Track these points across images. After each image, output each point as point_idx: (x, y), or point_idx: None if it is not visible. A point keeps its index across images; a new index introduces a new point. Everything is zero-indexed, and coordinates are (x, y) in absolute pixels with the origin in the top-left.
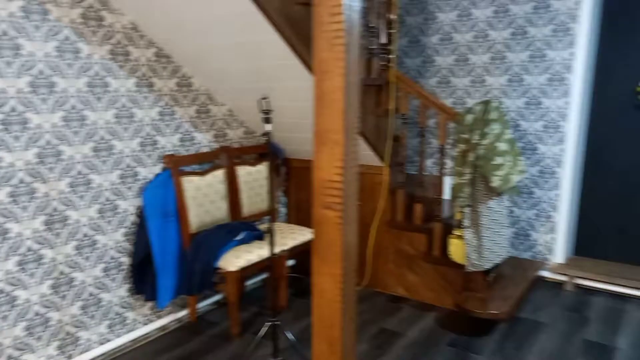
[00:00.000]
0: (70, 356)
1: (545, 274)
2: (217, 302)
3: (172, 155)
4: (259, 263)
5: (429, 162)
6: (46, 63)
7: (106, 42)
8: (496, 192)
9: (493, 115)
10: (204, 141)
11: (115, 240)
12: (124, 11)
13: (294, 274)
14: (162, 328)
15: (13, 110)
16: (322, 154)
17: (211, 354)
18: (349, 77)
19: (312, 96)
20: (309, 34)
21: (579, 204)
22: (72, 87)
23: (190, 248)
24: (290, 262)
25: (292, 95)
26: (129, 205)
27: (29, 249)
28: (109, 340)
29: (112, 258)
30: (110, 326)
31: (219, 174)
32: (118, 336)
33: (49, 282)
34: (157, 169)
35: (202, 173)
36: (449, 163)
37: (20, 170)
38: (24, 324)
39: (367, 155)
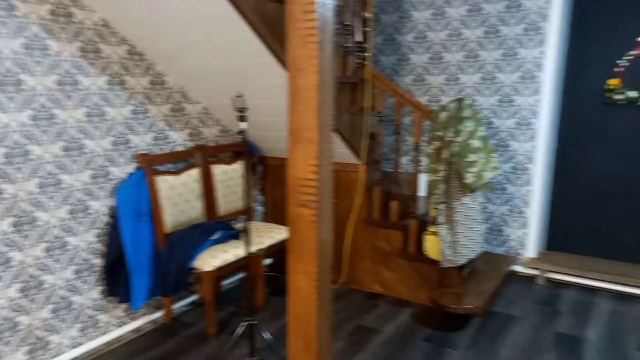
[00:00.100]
0: None
1: (518, 268)
2: (192, 303)
3: (145, 154)
4: (236, 262)
5: (404, 160)
6: (13, 60)
7: (76, 39)
8: (470, 189)
9: (466, 112)
10: (179, 140)
11: (87, 241)
12: (94, 8)
13: (271, 273)
14: (136, 330)
15: None
16: (296, 151)
17: (186, 355)
18: (323, 74)
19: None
20: (284, 31)
21: (550, 200)
22: (40, 85)
23: (165, 248)
24: (268, 261)
25: (267, 93)
26: (101, 206)
27: None
28: (81, 344)
29: (84, 260)
30: (82, 329)
31: (194, 173)
32: (90, 339)
33: (18, 285)
34: (130, 168)
35: (176, 172)
36: (424, 160)
37: None
38: None
39: (343, 153)
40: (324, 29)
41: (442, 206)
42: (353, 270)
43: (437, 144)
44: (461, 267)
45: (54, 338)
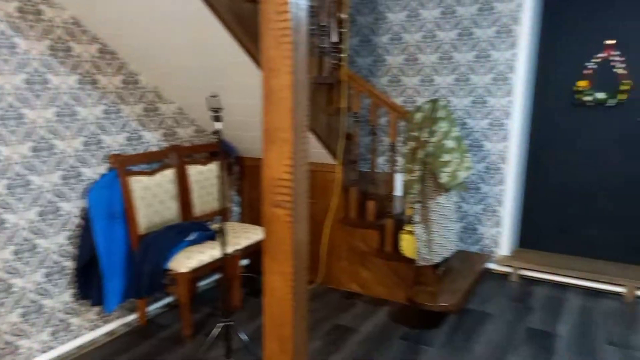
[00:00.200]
0: None
1: (492, 266)
2: (168, 305)
3: (118, 154)
4: (212, 263)
5: (380, 160)
6: None
7: (45, 37)
8: (444, 188)
9: (441, 113)
10: (153, 140)
11: (57, 243)
12: (64, 5)
13: (248, 274)
14: (110, 333)
15: None
16: (271, 152)
17: (161, 357)
18: (297, 75)
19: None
20: (259, 31)
21: (523, 199)
22: (8, 84)
23: (139, 250)
24: (244, 262)
25: (242, 93)
26: (72, 207)
27: None
28: (52, 348)
29: (55, 262)
30: (53, 333)
31: (168, 174)
32: (62, 343)
33: None
34: (103, 169)
35: (150, 173)
36: (400, 160)
37: None
38: None
39: (320, 154)
40: (298, 30)
41: (417, 205)
42: (330, 270)
43: (412, 144)
44: (436, 266)
45: (24, 343)
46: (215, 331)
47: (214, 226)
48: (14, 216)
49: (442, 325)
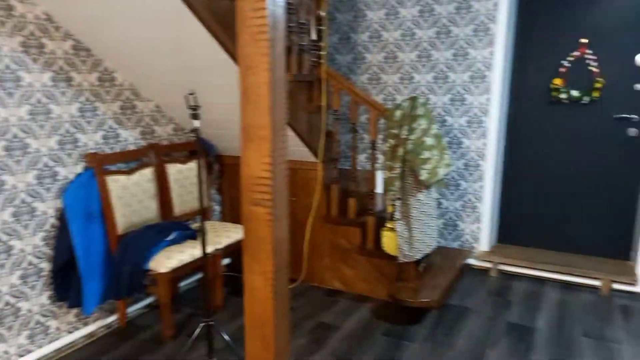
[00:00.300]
0: None
1: (472, 261)
2: (148, 305)
3: (95, 153)
4: (193, 263)
5: (362, 157)
6: None
7: (17, 34)
8: (424, 185)
9: (420, 111)
10: (130, 138)
11: (33, 245)
12: (35, 1)
13: (229, 273)
14: (89, 335)
15: None
16: (249, 150)
17: (142, 358)
18: (275, 72)
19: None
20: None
21: (501, 195)
22: None
23: (118, 250)
24: (226, 261)
25: (221, 90)
26: (47, 208)
27: None
28: (29, 352)
29: (31, 264)
30: (30, 337)
31: (147, 173)
32: (40, 347)
33: None
34: (79, 168)
35: (128, 172)
36: (380, 158)
37: None
38: None
39: (301, 152)
40: (275, 27)
41: (398, 202)
42: (312, 268)
43: (392, 141)
44: (418, 262)
45: (0, 347)
46: (197, 331)
47: (195, 225)
48: None
49: (424, 321)
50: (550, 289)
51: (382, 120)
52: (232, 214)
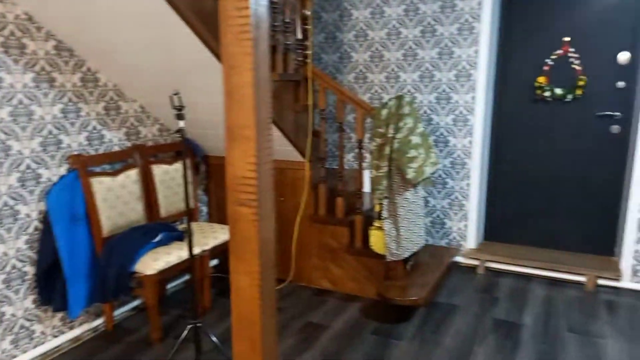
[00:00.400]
0: None
1: (459, 259)
2: (135, 308)
3: (78, 155)
4: (180, 264)
5: (349, 157)
6: None
7: None
8: (411, 184)
9: (406, 109)
10: (115, 139)
11: (16, 248)
12: (15, 1)
13: (217, 274)
14: (75, 339)
15: None
16: (234, 150)
17: None
18: (259, 71)
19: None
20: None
21: (488, 193)
22: None
23: (103, 253)
24: (214, 262)
25: (206, 90)
26: (31, 211)
27: None
28: (14, 357)
29: (14, 268)
30: (14, 341)
31: (132, 174)
32: (24, 352)
33: None
34: (63, 170)
35: (113, 173)
36: (367, 157)
37: None
38: None
39: (288, 151)
40: (259, 26)
41: (385, 201)
42: (301, 268)
43: (378, 140)
44: (405, 260)
45: None
46: (185, 333)
47: (181, 227)
48: None
49: (412, 319)
50: (536, 285)
51: (368, 120)
52: (219, 215)
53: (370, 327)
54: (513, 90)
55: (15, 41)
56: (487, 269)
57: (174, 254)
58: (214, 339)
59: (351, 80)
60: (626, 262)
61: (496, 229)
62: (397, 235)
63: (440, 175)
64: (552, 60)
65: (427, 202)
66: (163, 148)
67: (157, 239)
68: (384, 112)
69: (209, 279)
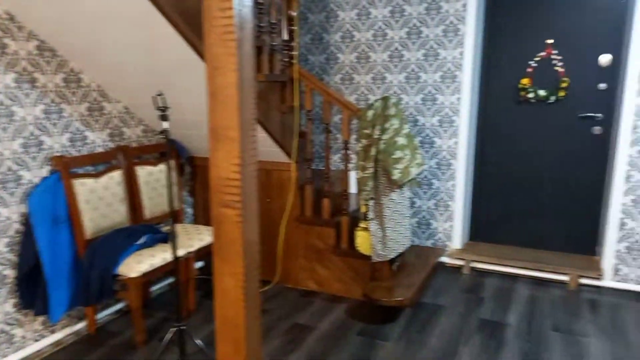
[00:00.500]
0: None
1: (445, 259)
2: (119, 311)
3: (61, 156)
4: (164, 267)
5: (335, 158)
6: None
7: None
8: (397, 185)
9: (392, 111)
10: (98, 141)
11: None
12: None
13: (202, 276)
14: (57, 343)
15: None
16: (218, 151)
17: None
18: (243, 72)
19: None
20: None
21: (473, 193)
22: None
23: (86, 255)
24: (199, 264)
25: (191, 91)
26: (11, 213)
27: None
28: None
29: None
30: None
31: (115, 175)
32: (4, 356)
33: None
34: (44, 171)
35: (96, 175)
36: (353, 158)
37: None
38: None
39: (274, 152)
40: (243, 27)
41: (371, 202)
42: (287, 269)
43: (364, 141)
44: (391, 261)
45: None
46: (169, 336)
47: (166, 228)
48: None
49: (398, 320)
50: (521, 285)
51: (355, 121)
52: (204, 216)
53: (356, 328)
54: (497, 92)
55: None
56: (473, 269)
57: (158, 256)
58: (198, 341)
59: (337, 82)
60: (608, 262)
61: (481, 229)
62: (383, 236)
63: (426, 176)
64: (536, 62)
65: (413, 203)
66: (147, 149)
67: (141, 241)
68: (370, 113)
69: (193, 281)
